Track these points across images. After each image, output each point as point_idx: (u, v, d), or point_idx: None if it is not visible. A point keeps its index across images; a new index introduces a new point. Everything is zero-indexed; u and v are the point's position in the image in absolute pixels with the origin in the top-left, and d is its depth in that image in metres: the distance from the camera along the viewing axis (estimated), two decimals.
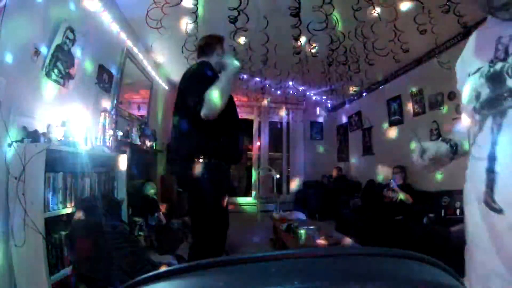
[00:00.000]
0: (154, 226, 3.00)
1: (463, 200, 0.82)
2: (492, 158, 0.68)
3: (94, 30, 2.54)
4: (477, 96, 0.71)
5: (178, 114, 1.65)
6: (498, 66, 0.66)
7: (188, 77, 1.61)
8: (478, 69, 0.72)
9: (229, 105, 1.64)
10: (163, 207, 3.43)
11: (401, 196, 3.63)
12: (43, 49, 1.88)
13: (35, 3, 1.82)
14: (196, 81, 1.54)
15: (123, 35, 3.08)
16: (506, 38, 0.67)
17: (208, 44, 1.74)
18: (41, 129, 1.81)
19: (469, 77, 0.75)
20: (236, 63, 1.58)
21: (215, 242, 1.59)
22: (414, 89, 4.02)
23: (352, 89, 4.88)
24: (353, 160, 6.01)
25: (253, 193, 6.47)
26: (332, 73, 3.89)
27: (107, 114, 2.72)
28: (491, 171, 0.68)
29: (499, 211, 0.66)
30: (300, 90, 5.40)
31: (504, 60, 0.66)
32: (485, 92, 0.69)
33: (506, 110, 0.65)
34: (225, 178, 1.64)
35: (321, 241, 2.45)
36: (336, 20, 2.56)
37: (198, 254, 1.58)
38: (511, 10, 0.67)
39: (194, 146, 1.57)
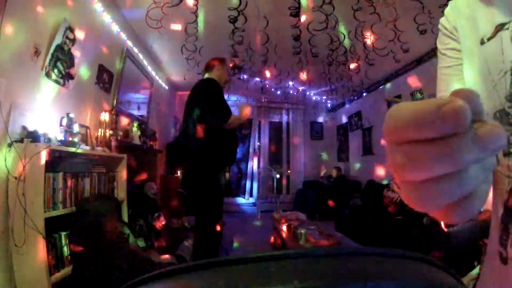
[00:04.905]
0: (154, 226, 3.00)
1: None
2: None
3: (94, 30, 2.54)
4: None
5: (186, 122, 2.04)
6: None
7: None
8: (502, 26, 0.40)
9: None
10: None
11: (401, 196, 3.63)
12: (43, 49, 1.88)
13: (36, 3, 1.82)
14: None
15: (123, 35, 3.08)
16: None
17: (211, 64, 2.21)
18: (41, 129, 1.81)
19: (484, 45, 0.43)
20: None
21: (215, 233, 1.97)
22: (414, 89, 4.02)
23: None
24: (353, 160, 6.01)
25: (254, 193, 6.47)
26: (332, 73, 3.89)
27: (107, 114, 2.72)
28: None
29: None
30: (300, 90, 5.40)
31: None
32: None
33: None
34: (223, 179, 1.99)
35: (321, 241, 2.45)
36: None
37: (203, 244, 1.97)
38: None
39: (197, 151, 1.95)
